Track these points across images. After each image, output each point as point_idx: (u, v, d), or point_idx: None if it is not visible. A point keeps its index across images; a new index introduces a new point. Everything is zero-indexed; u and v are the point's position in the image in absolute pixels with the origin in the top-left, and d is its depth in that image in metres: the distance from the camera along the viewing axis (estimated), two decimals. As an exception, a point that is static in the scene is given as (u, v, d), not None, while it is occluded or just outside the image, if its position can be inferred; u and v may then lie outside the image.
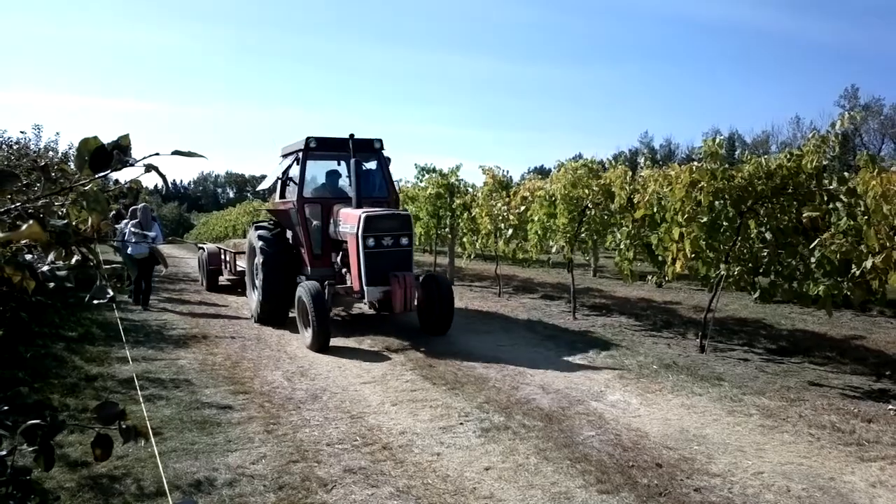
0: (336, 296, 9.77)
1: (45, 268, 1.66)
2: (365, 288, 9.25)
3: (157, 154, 1.61)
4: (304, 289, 9.21)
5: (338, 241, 10.41)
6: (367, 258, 9.26)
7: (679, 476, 4.92)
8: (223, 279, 16.42)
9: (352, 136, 10.21)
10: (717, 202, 8.44)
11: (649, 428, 5.96)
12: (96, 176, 1.59)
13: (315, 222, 10.70)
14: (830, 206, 7.91)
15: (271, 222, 11.58)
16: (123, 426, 1.80)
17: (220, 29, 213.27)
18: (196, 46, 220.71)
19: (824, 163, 8.02)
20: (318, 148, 10.73)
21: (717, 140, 8.80)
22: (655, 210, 9.54)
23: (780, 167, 8.18)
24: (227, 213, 55.36)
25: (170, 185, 2.06)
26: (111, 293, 1.71)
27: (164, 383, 7.35)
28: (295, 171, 10.84)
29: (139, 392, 6.37)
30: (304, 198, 10.63)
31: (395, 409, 6.51)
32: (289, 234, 11.30)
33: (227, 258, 16.00)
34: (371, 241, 9.26)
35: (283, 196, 11.44)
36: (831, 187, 7.96)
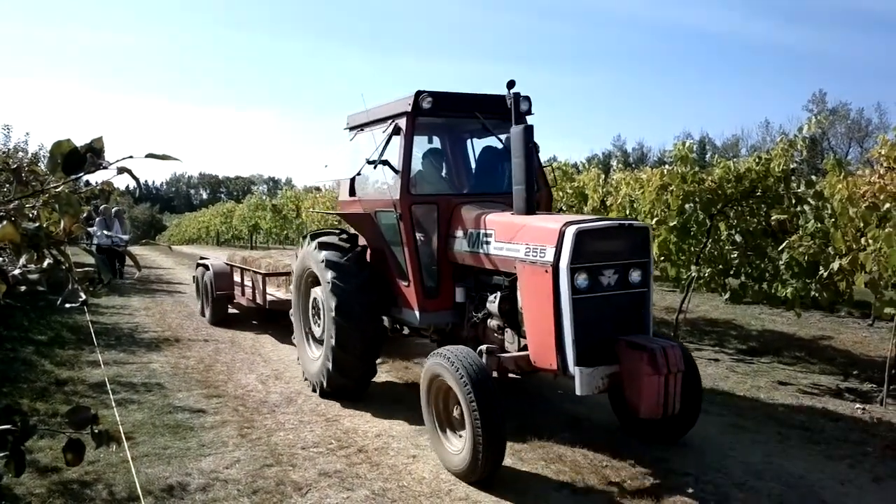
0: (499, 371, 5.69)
1: (17, 271, 1.65)
2: (574, 369, 4.78)
3: (131, 157, 1.61)
4: (446, 363, 4.90)
5: (466, 266, 6.22)
6: (577, 310, 4.81)
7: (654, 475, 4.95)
8: (234, 307, 11.93)
9: (511, 83, 5.76)
10: (687, 205, 8.54)
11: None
12: (69, 178, 1.58)
13: (423, 235, 6.37)
14: (798, 209, 8.07)
15: (342, 236, 7.19)
16: (95, 431, 1.80)
17: (196, 28, 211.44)
18: (171, 45, 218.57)
19: (792, 166, 8.18)
20: (437, 110, 6.31)
21: (688, 144, 8.92)
22: (628, 212, 9.63)
23: (749, 171, 8.31)
24: (200, 214, 54.85)
25: (142, 186, 2.05)
26: (83, 297, 1.70)
27: (136, 387, 7.27)
28: (395, 151, 6.41)
29: (111, 396, 6.30)
30: (411, 194, 6.24)
31: (371, 411, 6.50)
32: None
33: (247, 281, 10.80)
34: (583, 280, 4.84)
35: (352, 192, 7.07)
36: (799, 190, 8.12)
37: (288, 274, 9.97)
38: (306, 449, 5.52)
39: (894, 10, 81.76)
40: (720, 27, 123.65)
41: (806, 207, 7.93)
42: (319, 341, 7.26)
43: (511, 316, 5.69)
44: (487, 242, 5.72)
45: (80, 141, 1.58)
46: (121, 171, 1.60)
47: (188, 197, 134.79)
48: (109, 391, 6.41)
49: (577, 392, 4.76)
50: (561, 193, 11.24)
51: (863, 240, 6.73)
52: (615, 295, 5.01)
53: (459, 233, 6.15)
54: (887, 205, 6.58)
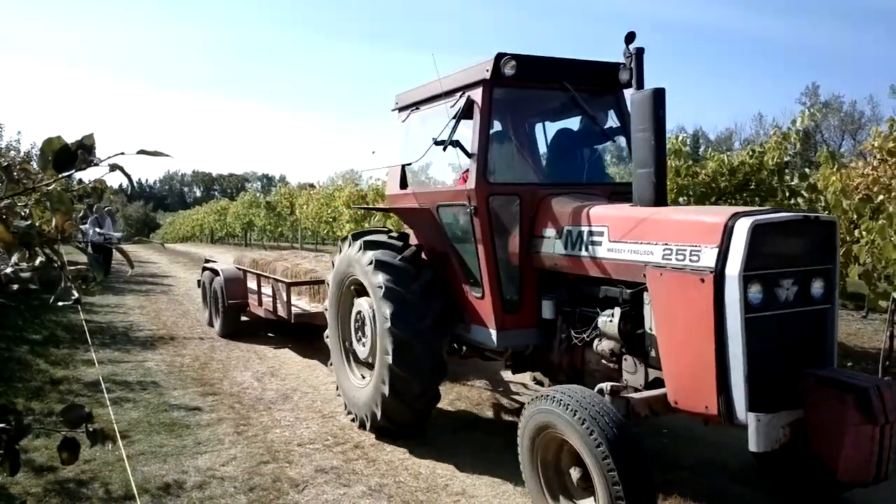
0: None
1: (9, 269, 1.64)
2: (746, 416, 3.57)
3: (122, 154, 1.60)
4: (562, 411, 3.78)
5: (557, 273, 5.01)
6: (751, 334, 3.60)
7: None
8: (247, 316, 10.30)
9: (631, 36, 4.48)
10: (681, 199, 8.56)
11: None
12: (60, 176, 1.58)
13: (502, 234, 5.14)
14: (792, 201, 8.10)
15: (392, 235, 5.99)
16: (90, 429, 1.79)
17: (184, 24, 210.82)
18: (162, 39, 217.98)
19: (786, 159, 8.21)
20: (521, 77, 5.03)
21: (682, 137, 8.94)
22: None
23: (742, 164, 8.34)
24: (194, 212, 54.80)
25: (135, 184, 2.04)
26: (76, 295, 1.69)
27: (131, 386, 7.25)
28: (467, 131, 5.22)
29: (106, 395, 6.28)
30: (489, 183, 5.03)
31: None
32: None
33: (265, 289, 9.49)
34: (757, 292, 3.66)
35: (404, 184, 6.06)
36: (792, 183, 8.15)
37: (317, 283, 8.80)
38: (302, 445, 5.51)
39: (887, 2, 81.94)
40: (713, 21, 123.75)
41: (800, 200, 7.95)
42: (367, 364, 6.02)
43: (634, 340, 4.32)
44: (595, 243, 4.47)
45: (70, 138, 1.57)
46: (112, 168, 1.60)
47: (182, 195, 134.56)
48: (104, 390, 6.39)
49: (753, 448, 3.49)
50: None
51: (856, 232, 6.76)
52: (794, 313, 3.79)
53: (550, 231, 4.90)
54: (881, 197, 6.61)
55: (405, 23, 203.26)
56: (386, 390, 5.23)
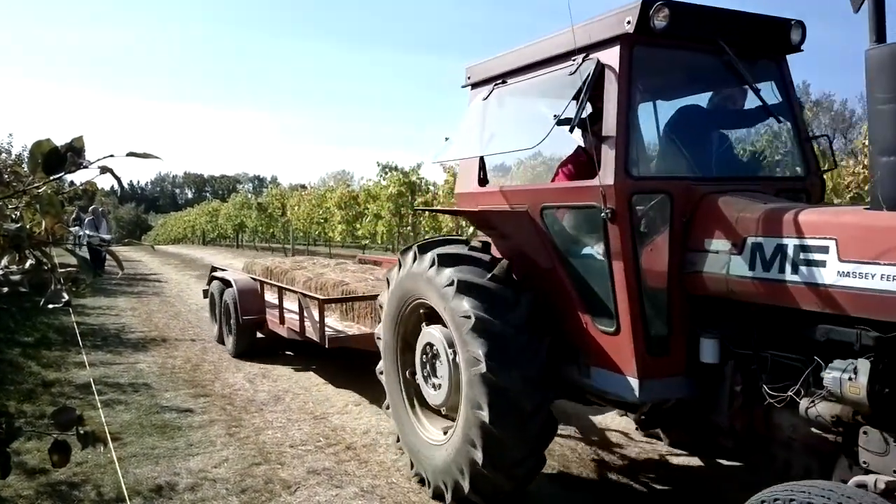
0: None
1: (-1, 272, 1.64)
2: None
3: (112, 156, 1.61)
4: None
5: (727, 302, 3.66)
6: None
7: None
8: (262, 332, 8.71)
9: None
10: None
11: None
12: (50, 178, 1.58)
13: (644, 246, 3.84)
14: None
15: (474, 246, 4.59)
16: (81, 432, 1.79)
17: (174, 22, 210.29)
18: (149, 41, 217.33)
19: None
20: (673, 32, 3.76)
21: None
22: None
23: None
24: (185, 213, 54.67)
25: (126, 186, 2.04)
26: (66, 297, 1.69)
27: (122, 388, 7.23)
28: (616, 107, 3.80)
29: (97, 397, 6.27)
30: (633, 177, 3.76)
31: (359, 409, 6.50)
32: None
33: (288, 304, 8.00)
34: None
35: (484, 180, 5.00)
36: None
37: (358, 299, 7.33)
38: (294, 447, 5.51)
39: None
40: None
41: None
42: (440, 412, 4.78)
43: (885, 406, 2.98)
44: (813, 263, 3.18)
45: (59, 141, 1.57)
46: (103, 170, 1.60)
47: (173, 196, 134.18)
48: (95, 392, 6.40)
49: None
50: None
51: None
52: None
53: (719, 243, 3.60)
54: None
55: (408, 22, 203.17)
56: (479, 457, 3.94)
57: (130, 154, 1.64)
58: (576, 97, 3.78)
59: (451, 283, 4.09)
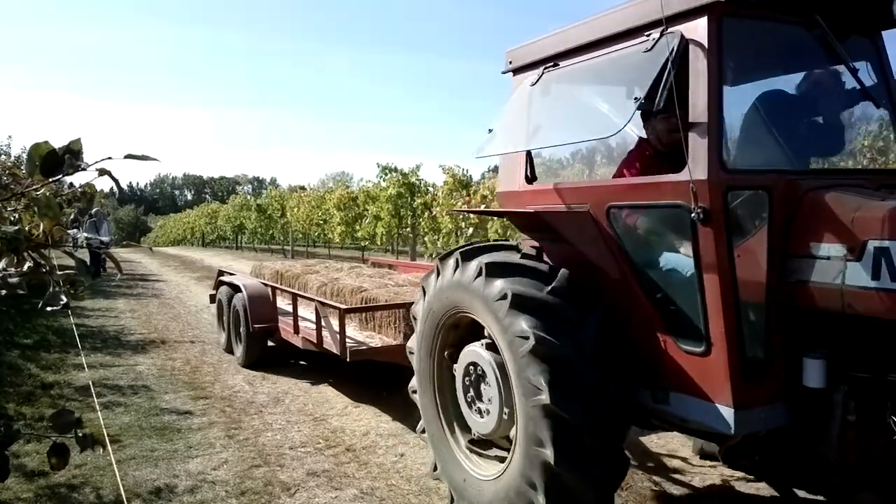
0: None
1: (-3, 275, 1.64)
2: None
3: (110, 158, 1.61)
4: None
5: (843, 317, 3.01)
6: None
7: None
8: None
9: None
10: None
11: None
12: (48, 181, 1.58)
13: (737, 252, 3.14)
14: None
15: (526, 254, 3.86)
16: (80, 434, 1.79)
17: (170, 25, 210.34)
18: (142, 43, 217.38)
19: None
20: (766, 3, 3.28)
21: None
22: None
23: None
24: (184, 215, 54.71)
25: (125, 188, 2.04)
26: (65, 300, 1.69)
27: (122, 390, 7.22)
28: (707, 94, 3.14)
29: (96, 399, 6.26)
30: (728, 171, 3.12)
31: (359, 410, 6.49)
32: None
33: (304, 312, 7.35)
34: None
35: (532, 177, 4.34)
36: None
37: (383, 308, 6.62)
38: (294, 449, 5.50)
39: None
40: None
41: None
42: (490, 443, 4.16)
43: None
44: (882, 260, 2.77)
45: (57, 143, 1.57)
46: (101, 172, 1.60)
47: (173, 198, 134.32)
48: (94, 394, 6.38)
49: None
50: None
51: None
52: None
53: (830, 248, 3.05)
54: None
55: (406, 23, 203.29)
56: (540, 501, 3.38)
57: (129, 156, 1.64)
58: (657, 77, 3.18)
59: (504, 297, 3.49)
